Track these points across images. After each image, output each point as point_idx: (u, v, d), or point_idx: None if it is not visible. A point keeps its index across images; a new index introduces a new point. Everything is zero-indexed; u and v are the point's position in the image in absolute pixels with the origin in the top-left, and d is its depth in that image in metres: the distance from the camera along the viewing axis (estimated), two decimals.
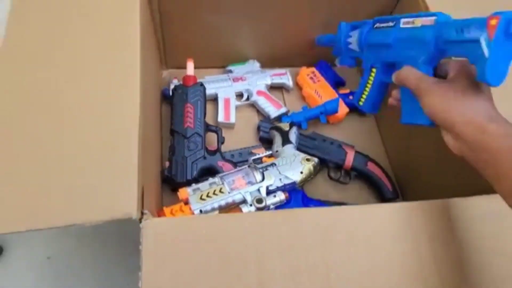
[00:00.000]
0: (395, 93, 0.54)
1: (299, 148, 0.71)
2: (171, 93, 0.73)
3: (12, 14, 0.53)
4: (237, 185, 0.61)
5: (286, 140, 0.71)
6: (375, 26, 0.58)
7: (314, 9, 0.74)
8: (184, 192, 0.59)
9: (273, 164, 0.65)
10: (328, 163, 0.75)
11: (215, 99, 0.79)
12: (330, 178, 0.75)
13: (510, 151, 0.37)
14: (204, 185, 0.61)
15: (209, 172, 0.66)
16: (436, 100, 0.43)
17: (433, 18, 0.48)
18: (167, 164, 0.67)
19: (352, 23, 0.65)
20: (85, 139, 0.45)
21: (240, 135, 0.77)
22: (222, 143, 0.70)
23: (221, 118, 0.77)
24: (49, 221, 0.41)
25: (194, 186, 0.60)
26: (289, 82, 0.83)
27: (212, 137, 0.71)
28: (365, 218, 0.46)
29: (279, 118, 0.79)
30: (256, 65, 0.83)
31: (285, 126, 0.73)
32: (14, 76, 0.49)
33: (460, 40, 0.43)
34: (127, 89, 0.49)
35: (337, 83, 0.85)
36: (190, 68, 0.73)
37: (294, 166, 0.64)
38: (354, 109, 0.81)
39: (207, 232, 0.42)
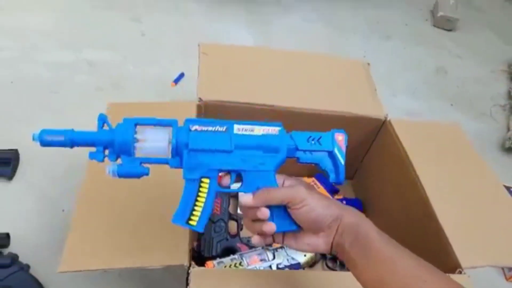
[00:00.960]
0: (262, 213, 0.49)
1: None
2: None
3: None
4: (252, 262, 0.77)
5: None
6: (193, 128, 0.50)
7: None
8: (211, 264, 0.75)
9: (282, 247, 0.81)
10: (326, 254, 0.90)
11: (236, 194, 0.99)
12: (328, 267, 0.90)
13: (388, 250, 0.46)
14: (226, 260, 0.77)
15: (230, 251, 0.82)
16: (318, 203, 0.48)
17: (277, 128, 0.52)
18: (195, 243, 0.83)
19: (135, 119, 0.50)
20: (161, 213, 0.64)
21: None
22: (241, 229, 0.87)
23: (240, 210, 0.95)
24: (123, 262, 0.57)
25: (218, 260, 0.76)
26: None
27: (233, 224, 0.88)
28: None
29: None
30: None
31: None
32: None
33: (312, 150, 0.52)
34: None
35: (332, 191, 1.05)
36: None
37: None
38: None
39: (235, 281, 0.58)
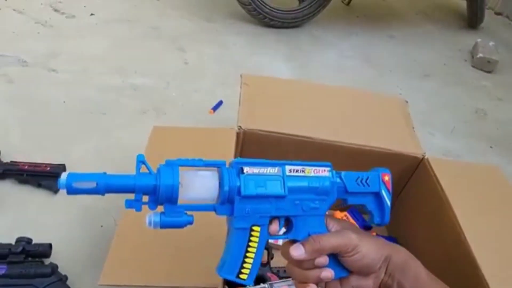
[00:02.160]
0: (321, 261, 0.45)
1: None
2: None
3: None
4: None
5: None
6: (245, 170, 0.45)
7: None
8: None
9: None
10: None
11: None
12: None
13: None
14: None
15: (260, 280, 0.82)
16: (369, 248, 0.46)
17: (327, 169, 0.49)
18: None
19: (179, 160, 0.44)
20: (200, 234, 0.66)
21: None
22: (272, 258, 0.87)
23: (271, 239, 0.95)
24: (162, 281, 0.59)
25: (249, 287, 0.76)
26: None
27: (263, 253, 0.88)
28: None
29: None
30: None
31: None
32: None
33: (362, 192, 0.50)
34: None
35: (365, 227, 1.04)
36: None
37: None
38: None
39: None
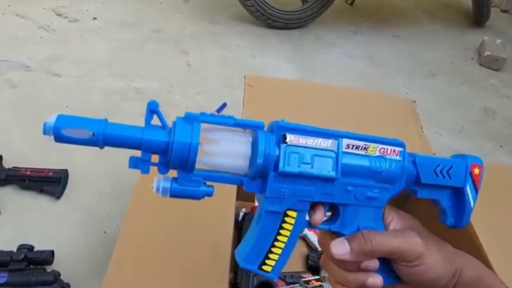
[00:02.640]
0: (371, 264, 0.36)
1: None
2: (240, 219, 0.92)
3: None
4: None
5: None
6: (288, 139, 0.35)
7: None
8: None
9: (320, 286, 0.78)
10: None
11: None
12: None
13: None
14: None
15: (266, 286, 0.80)
16: (436, 259, 0.37)
17: (399, 149, 0.38)
18: (231, 275, 0.82)
19: (203, 114, 0.36)
20: (205, 240, 0.64)
21: (292, 262, 0.92)
22: None
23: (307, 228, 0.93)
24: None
25: None
26: None
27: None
28: None
29: None
30: None
31: None
32: None
33: (439, 185, 0.39)
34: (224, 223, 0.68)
35: None
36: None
37: None
38: None
39: None
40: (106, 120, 0.33)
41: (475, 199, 0.40)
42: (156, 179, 0.34)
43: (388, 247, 0.36)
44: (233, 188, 0.72)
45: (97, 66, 1.50)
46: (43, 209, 0.98)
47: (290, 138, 0.35)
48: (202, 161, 0.34)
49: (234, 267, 0.83)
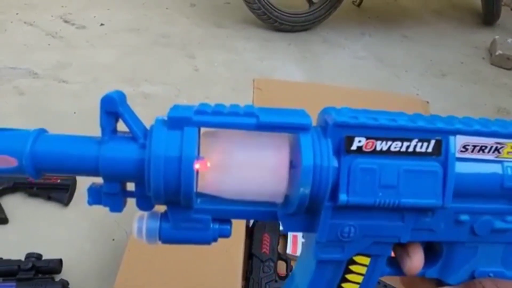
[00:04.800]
0: None
1: None
2: (250, 225, 0.90)
3: None
4: None
5: None
6: (356, 145, 0.22)
7: None
8: None
9: None
10: None
11: (286, 233, 0.95)
12: None
13: None
14: None
15: None
16: None
17: None
18: (243, 283, 0.80)
19: (200, 116, 0.23)
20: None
21: None
22: (290, 270, 0.83)
23: (289, 250, 0.91)
24: None
25: None
26: None
27: (282, 264, 0.84)
28: None
29: None
30: None
31: None
32: None
33: None
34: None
35: None
36: None
37: None
38: None
39: None
40: (43, 130, 0.20)
41: None
42: (137, 218, 0.24)
43: None
44: None
45: (104, 72, 1.50)
46: (51, 216, 0.97)
47: (360, 142, 0.21)
48: (206, 187, 0.22)
49: (246, 274, 0.81)
